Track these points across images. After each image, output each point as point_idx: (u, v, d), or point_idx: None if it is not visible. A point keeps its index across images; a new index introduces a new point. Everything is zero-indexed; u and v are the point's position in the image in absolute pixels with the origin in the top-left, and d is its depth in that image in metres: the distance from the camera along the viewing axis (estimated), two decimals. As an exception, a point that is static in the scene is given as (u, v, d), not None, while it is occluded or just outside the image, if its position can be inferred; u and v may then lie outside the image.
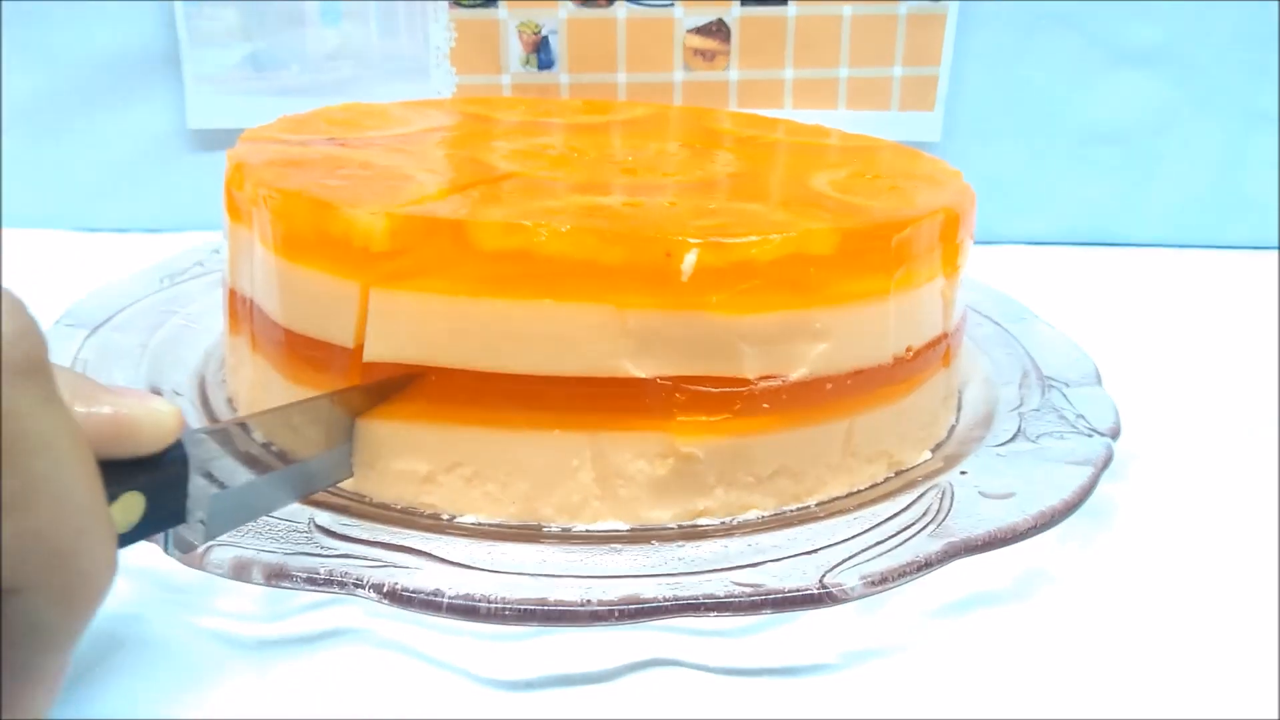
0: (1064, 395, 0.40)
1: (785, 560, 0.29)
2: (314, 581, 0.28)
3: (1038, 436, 0.37)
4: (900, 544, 0.30)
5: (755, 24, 0.67)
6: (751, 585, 0.28)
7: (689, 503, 0.33)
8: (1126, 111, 0.71)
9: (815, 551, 0.30)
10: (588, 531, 0.33)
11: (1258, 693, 0.29)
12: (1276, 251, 0.71)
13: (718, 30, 0.68)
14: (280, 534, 0.29)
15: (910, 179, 0.42)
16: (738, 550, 0.30)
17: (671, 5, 0.67)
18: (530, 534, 0.32)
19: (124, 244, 0.66)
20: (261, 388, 0.37)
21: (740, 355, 0.32)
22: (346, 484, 0.33)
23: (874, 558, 0.29)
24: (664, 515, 0.33)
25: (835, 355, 0.34)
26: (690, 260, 0.31)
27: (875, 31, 0.68)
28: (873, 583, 0.28)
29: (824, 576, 0.28)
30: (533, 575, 0.28)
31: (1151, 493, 0.39)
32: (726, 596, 0.27)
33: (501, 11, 0.66)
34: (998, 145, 0.71)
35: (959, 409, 0.42)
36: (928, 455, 0.39)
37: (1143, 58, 0.69)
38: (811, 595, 0.28)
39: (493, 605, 0.27)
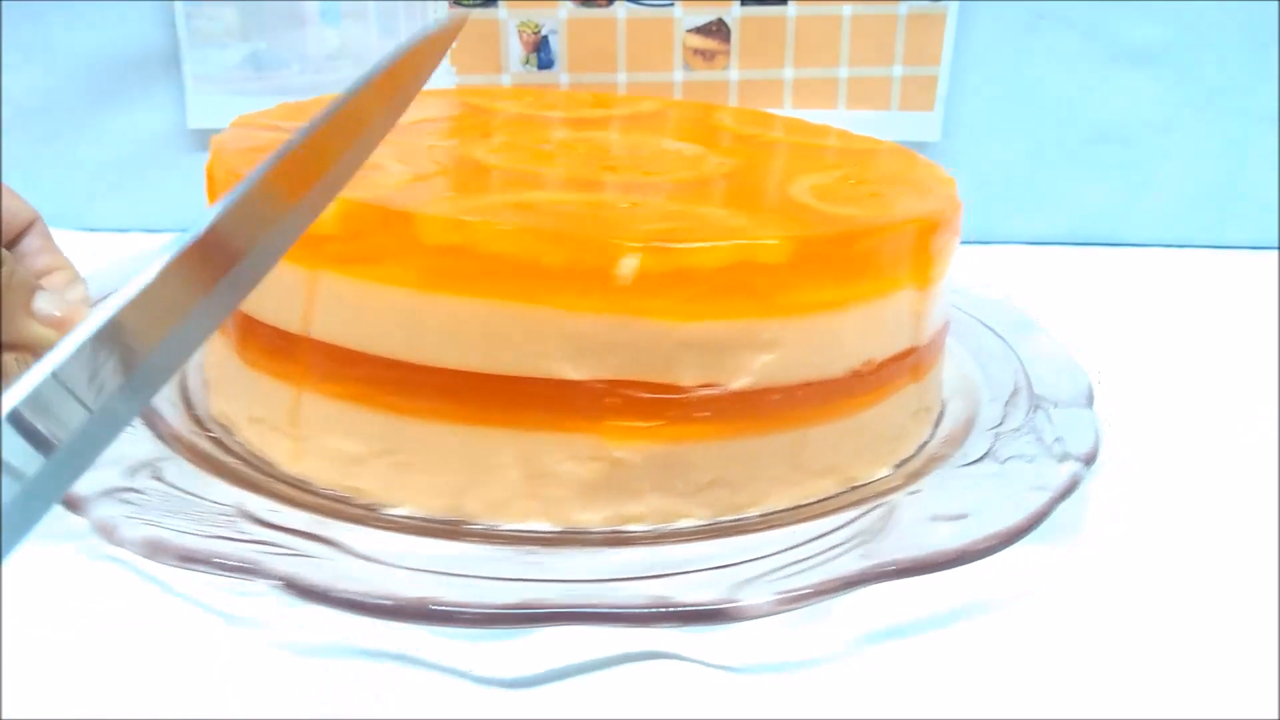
0: (1048, 416, 0.39)
1: (701, 572, 0.28)
2: (222, 567, 0.27)
3: (1006, 458, 0.35)
4: (825, 561, 0.29)
5: (755, 24, 0.67)
6: (654, 597, 0.27)
7: (619, 507, 0.33)
8: (1127, 111, 0.71)
9: (735, 565, 0.29)
10: (512, 530, 0.33)
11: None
12: (1276, 251, 0.71)
13: (718, 30, 0.68)
14: (204, 516, 0.30)
15: (898, 185, 0.41)
16: (654, 559, 0.29)
17: (671, 5, 0.67)
18: (453, 530, 0.32)
19: (124, 244, 0.66)
20: (220, 367, 0.38)
21: (679, 362, 0.32)
22: (288, 467, 0.34)
23: (793, 574, 0.28)
24: (593, 518, 0.33)
25: (783, 366, 0.33)
26: (629, 265, 0.31)
27: (875, 31, 0.68)
28: (785, 600, 0.27)
29: (733, 591, 0.27)
30: (434, 573, 0.28)
31: (1150, 493, 0.39)
32: (623, 607, 0.26)
33: (501, 11, 0.66)
34: (998, 145, 0.71)
35: (937, 424, 0.41)
36: (888, 471, 0.37)
37: (1143, 58, 0.69)
38: (716, 610, 0.27)
39: (378, 602, 0.27)
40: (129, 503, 0.30)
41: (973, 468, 0.35)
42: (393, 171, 0.37)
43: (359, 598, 0.27)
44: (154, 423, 0.37)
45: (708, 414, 0.33)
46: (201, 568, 0.28)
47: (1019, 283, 0.55)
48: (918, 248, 0.36)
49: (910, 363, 0.38)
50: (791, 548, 0.30)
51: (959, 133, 0.70)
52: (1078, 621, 0.32)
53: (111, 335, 0.17)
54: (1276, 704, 0.28)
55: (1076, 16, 0.68)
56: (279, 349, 0.35)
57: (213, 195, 0.38)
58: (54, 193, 0.68)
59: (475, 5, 0.66)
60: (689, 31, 0.67)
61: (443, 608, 0.26)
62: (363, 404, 0.33)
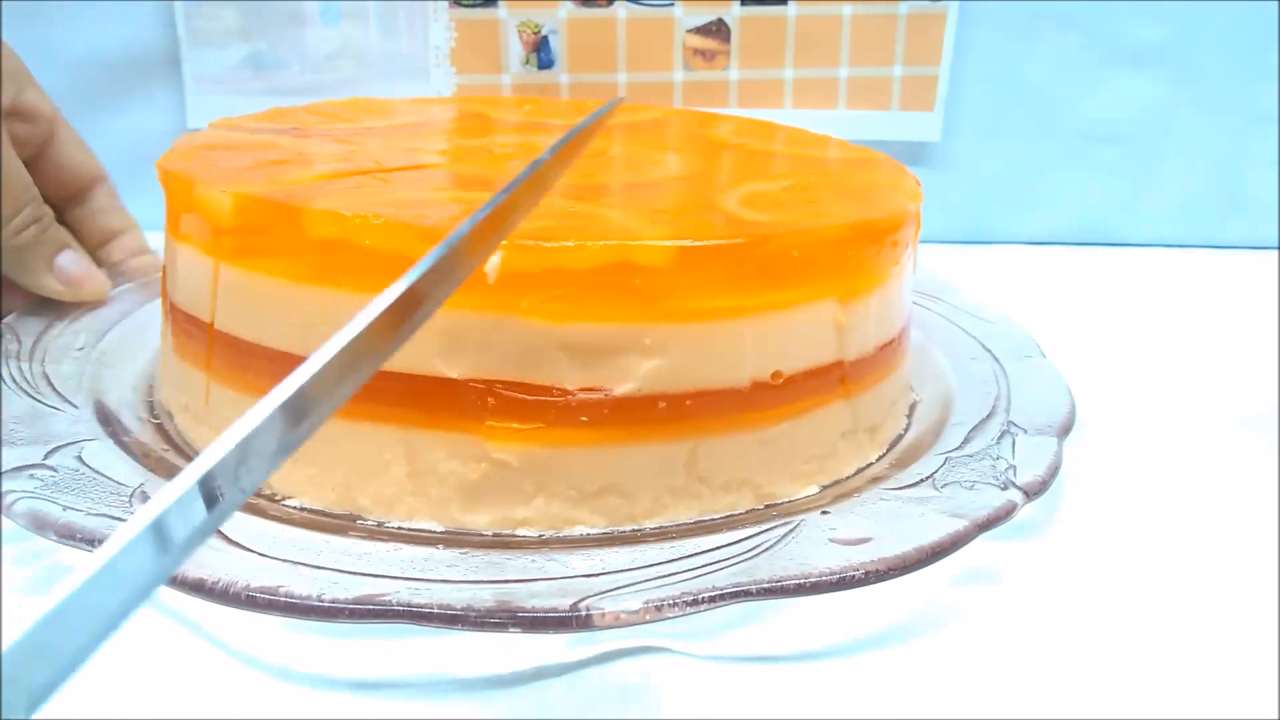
0: (1013, 443, 0.36)
1: (559, 580, 0.28)
2: (97, 544, 0.27)
3: (945, 484, 0.33)
4: (695, 577, 0.28)
5: (755, 24, 0.67)
6: (500, 601, 0.26)
7: (507, 510, 0.32)
8: (1126, 111, 0.71)
9: (597, 575, 0.28)
10: (400, 529, 0.32)
11: None
12: (1276, 251, 0.71)
13: (718, 30, 0.68)
14: (100, 495, 0.30)
15: (846, 194, 0.39)
16: (522, 565, 0.29)
17: (671, 5, 0.67)
18: (343, 525, 0.32)
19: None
20: (163, 356, 0.40)
21: (555, 364, 0.31)
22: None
23: (656, 588, 0.27)
24: (480, 520, 0.33)
25: (671, 373, 0.32)
26: (493, 263, 0.30)
27: (875, 31, 0.68)
28: (632, 613, 0.26)
29: (581, 601, 0.26)
30: (290, 563, 0.28)
31: (1149, 493, 0.39)
32: (465, 609, 0.26)
33: (501, 11, 0.66)
34: (998, 145, 0.71)
35: (891, 446, 0.39)
36: (813, 491, 0.36)
37: (1143, 58, 0.69)
38: (561, 619, 0.26)
39: (226, 589, 0.26)
40: (36, 478, 0.31)
41: (905, 491, 0.33)
42: (318, 169, 0.37)
43: (208, 581, 0.27)
44: (101, 408, 0.38)
45: (588, 419, 0.32)
46: (79, 544, 0.28)
47: (1018, 283, 0.55)
48: (839, 258, 0.35)
49: (835, 378, 0.36)
50: (669, 560, 0.29)
51: (959, 133, 0.70)
52: (1070, 624, 0.32)
53: (294, 403, 0.18)
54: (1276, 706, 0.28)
55: (1076, 16, 0.68)
56: (194, 336, 0.37)
57: (170, 201, 0.38)
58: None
59: (475, 5, 0.66)
60: (689, 31, 0.67)
61: (291, 600, 0.26)
62: (259, 395, 0.33)
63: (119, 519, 0.29)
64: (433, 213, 0.32)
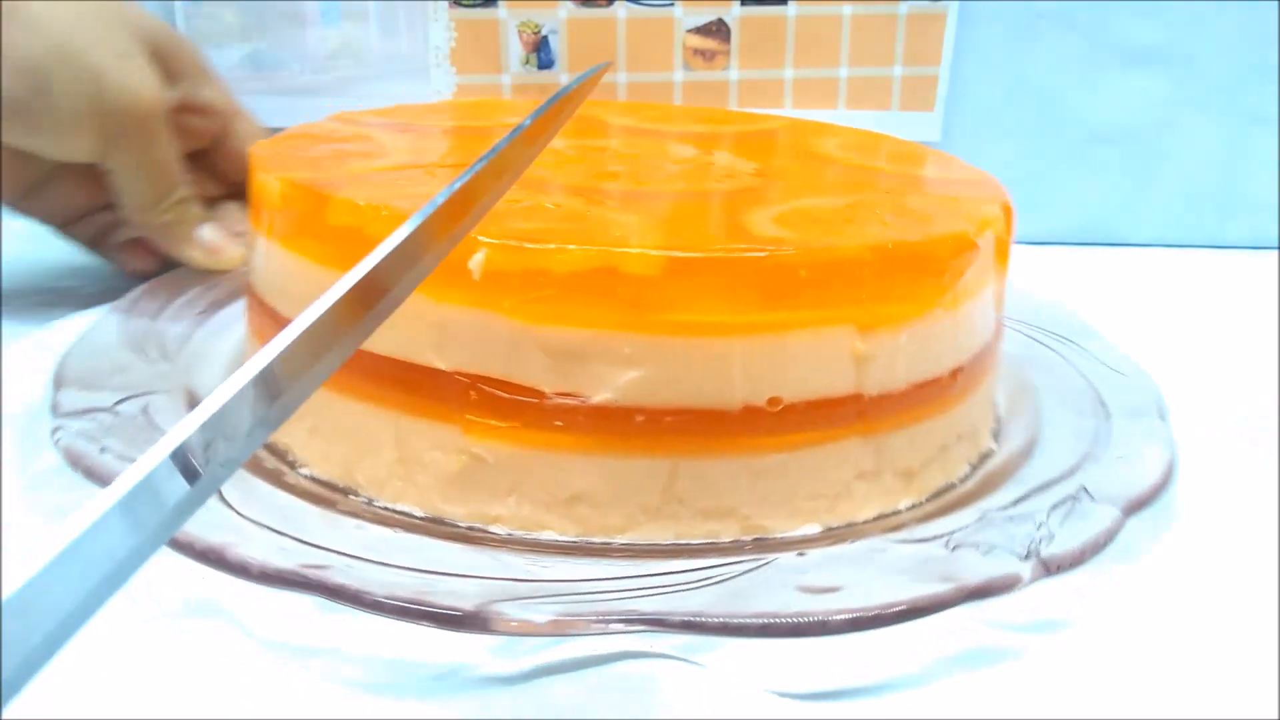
0: (1070, 510, 0.32)
1: (483, 580, 0.28)
2: (104, 481, 0.30)
3: (958, 545, 0.30)
4: (617, 599, 0.27)
5: (755, 24, 0.67)
6: (417, 592, 0.26)
7: (482, 505, 0.33)
8: (1126, 111, 0.71)
9: (522, 581, 0.28)
10: (385, 509, 0.33)
11: None
12: (1276, 251, 0.71)
13: (718, 30, 0.68)
14: (144, 445, 0.32)
15: (906, 215, 0.37)
16: (460, 560, 0.29)
17: (671, 5, 0.67)
18: (335, 499, 0.33)
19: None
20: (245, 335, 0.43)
21: (534, 366, 0.31)
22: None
23: (574, 603, 0.27)
24: (457, 511, 0.33)
25: (650, 387, 0.31)
26: (477, 260, 0.31)
27: (875, 31, 0.68)
28: (537, 625, 0.26)
29: (490, 604, 0.26)
30: (255, 523, 0.29)
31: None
32: (382, 596, 0.26)
33: (501, 11, 0.66)
34: (998, 145, 0.71)
35: (936, 496, 0.36)
36: (812, 530, 0.34)
37: (1143, 58, 0.69)
38: (463, 618, 0.26)
39: (186, 545, 0.28)
40: (95, 421, 0.34)
41: (911, 546, 0.30)
42: (376, 162, 0.39)
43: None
44: (192, 369, 0.41)
45: (562, 424, 0.31)
46: (97, 484, 0.30)
47: (1018, 283, 0.55)
48: (855, 282, 0.32)
49: (851, 412, 0.33)
50: (606, 579, 0.28)
51: (959, 133, 0.71)
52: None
53: (265, 378, 0.18)
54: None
55: (1076, 16, 0.68)
56: (253, 310, 0.40)
57: (254, 203, 0.39)
58: (54, 193, 0.69)
59: (475, 5, 0.66)
60: (689, 31, 0.67)
61: (230, 561, 0.27)
62: None
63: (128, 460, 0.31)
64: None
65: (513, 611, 0.26)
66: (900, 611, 0.27)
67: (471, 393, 0.32)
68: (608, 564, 0.30)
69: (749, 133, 0.51)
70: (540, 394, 0.31)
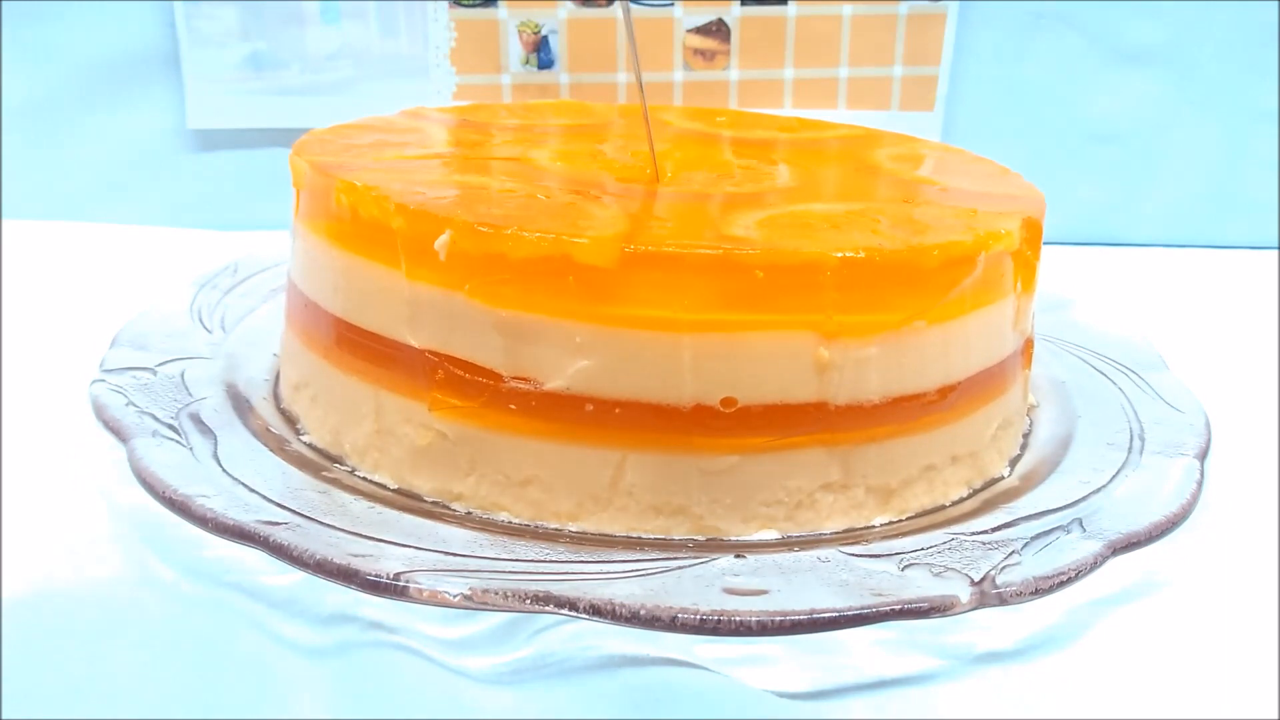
0: (1051, 542, 0.31)
1: (414, 550, 0.29)
2: (117, 433, 0.33)
3: (910, 565, 0.29)
4: (532, 581, 0.27)
5: (755, 24, 0.67)
6: (350, 557, 0.28)
7: (446, 481, 0.34)
8: (1126, 111, 0.71)
9: (452, 555, 0.29)
10: (363, 478, 0.35)
11: None
12: (1276, 251, 0.71)
13: (718, 30, 0.68)
14: (167, 403, 0.36)
15: (904, 225, 0.35)
16: (405, 531, 0.30)
17: (671, 5, 0.67)
18: (321, 466, 0.35)
19: (124, 238, 0.66)
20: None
21: (492, 348, 0.32)
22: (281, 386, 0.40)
23: (490, 580, 0.27)
24: (424, 485, 0.34)
25: (600, 377, 0.31)
26: (442, 240, 0.32)
27: (875, 31, 0.68)
28: (449, 596, 0.26)
29: (408, 573, 0.27)
30: (234, 479, 0.31)
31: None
32: (314, 559, 0.28)
33: (501, 11, 0.66)
34: (998, 145, 0.71)
35: (915, 516, 0.35)
36: (769, 536, 0.33)
37: (1143, 58, 0.69)
38: (382, 584, 0.27)
39: (159, 493, 0.30)
40: (134, 378, 0.37)
41: (861, 560, 0.30)
42: (409, 152, 0.41)
43: (151, 480, 0.31)
44: (239, 340, 0.44)
45: (516, 407, 0.32)
46: (111, 433, 0.33)
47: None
48: (816, 288, 0.31)
49: (813, 421, 0.32)
50: (536, 560, 0.29)
51: (959, 133, 0.71)
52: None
53: None
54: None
55: (1076, 16, 0.68)
56: (288, 285, 0.41)
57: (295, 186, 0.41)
58: (54, 192, 0.69)
59: (475, 5, 0.66)
60: (689, 31, 0.67)
61: (194, 514, 0.29)
62: (299, 338, 0.39)
63: (161, 421, 0.34)
64: (432, 192, 0.35)
65: (427, 582, 0.27)
66: (799, 622, 0.26)
67: (439, 371, 0.33)
68: (549, 549, 0.30)
69: (811, 140, 0.49)
70: (498, 376, 0.32)
